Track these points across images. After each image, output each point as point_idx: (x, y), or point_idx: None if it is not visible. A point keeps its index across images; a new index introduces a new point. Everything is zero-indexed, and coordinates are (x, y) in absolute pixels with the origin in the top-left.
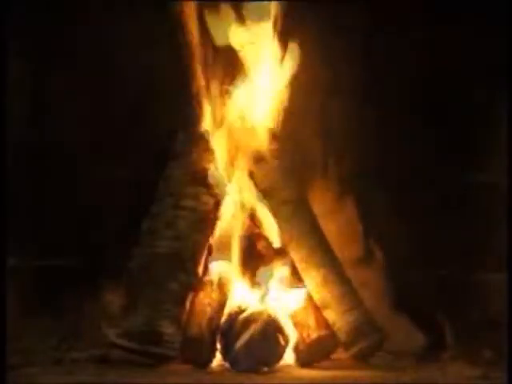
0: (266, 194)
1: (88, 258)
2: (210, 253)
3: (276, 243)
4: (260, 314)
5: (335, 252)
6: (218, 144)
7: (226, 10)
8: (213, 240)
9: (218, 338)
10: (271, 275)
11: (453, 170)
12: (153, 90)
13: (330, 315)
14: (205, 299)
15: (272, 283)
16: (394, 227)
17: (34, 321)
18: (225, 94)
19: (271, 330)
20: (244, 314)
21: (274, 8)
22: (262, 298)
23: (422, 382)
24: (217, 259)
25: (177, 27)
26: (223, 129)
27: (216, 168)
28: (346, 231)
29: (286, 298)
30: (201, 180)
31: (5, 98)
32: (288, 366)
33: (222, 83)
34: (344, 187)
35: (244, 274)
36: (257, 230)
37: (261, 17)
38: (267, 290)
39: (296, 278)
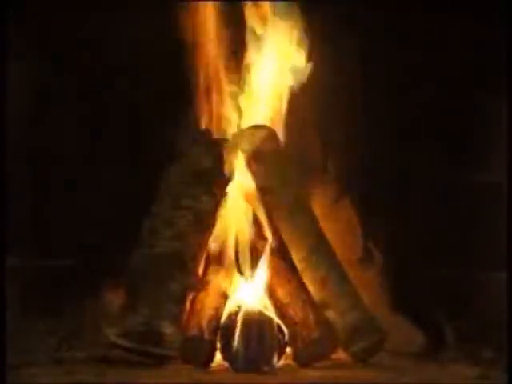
0: (265, 193)
1: (88, 258)
2: (209, 253)
3: (276, 243)
4: (259, 313)
5: (335, 252)
6: (219, 143)
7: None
8: (213, 240)
9: (218, 337)
10: (271, 275)
11: (453, 170)
12: (153, 89)
13: (330, 315)
14: (205, 299)
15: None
16: (394, 227)
17: (34, 321)
18: (226, 94)
19: (271, 330)
20: (243, 314)
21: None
22: (262, 297)
23: (422, 382)
24: (217, 259)
25: (180, 27)
26: (223, 128)
27: (216, 168)
28: (345, 231)
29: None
30: (201, 180)
31: (5, 97)
32: (288, 365)
33: (223, 83)
34: (344, 187)
35: (244, 273)
36: (257, 230)
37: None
38: (267, 289)
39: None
